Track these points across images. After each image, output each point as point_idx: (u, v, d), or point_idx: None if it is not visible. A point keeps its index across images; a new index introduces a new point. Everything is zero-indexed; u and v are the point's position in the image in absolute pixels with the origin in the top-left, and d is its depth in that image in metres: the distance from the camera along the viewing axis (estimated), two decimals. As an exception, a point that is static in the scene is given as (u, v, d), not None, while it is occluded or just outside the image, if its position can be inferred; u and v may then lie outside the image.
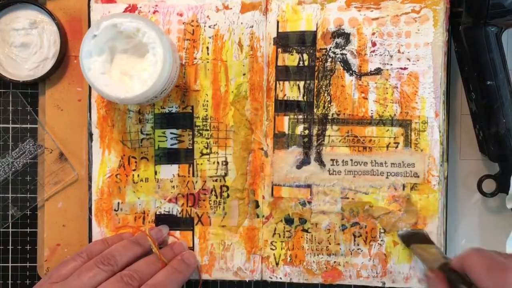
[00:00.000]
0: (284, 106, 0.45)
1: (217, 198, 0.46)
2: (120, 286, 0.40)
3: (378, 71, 0.45)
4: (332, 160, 0.45)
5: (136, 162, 0.47)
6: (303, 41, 0.45)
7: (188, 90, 0.46)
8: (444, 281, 0.36)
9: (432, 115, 0.44)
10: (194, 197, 0.47)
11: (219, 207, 0.46)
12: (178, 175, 0.46)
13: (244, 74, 0.46)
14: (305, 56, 0.45)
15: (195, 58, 0.46)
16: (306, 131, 0.45)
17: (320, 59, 0.45)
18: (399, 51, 0.44)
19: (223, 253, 0.46)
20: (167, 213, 0.47)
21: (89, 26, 0.46)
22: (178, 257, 0.45)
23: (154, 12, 0.46)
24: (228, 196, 0.46)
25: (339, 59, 0.45)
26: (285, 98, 0.45)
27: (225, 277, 0.47)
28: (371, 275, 0.45)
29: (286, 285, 0.48)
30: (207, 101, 0.46)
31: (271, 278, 0.46)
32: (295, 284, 0.46)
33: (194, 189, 0.46)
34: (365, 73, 0.45)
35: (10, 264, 0.49)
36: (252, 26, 0.46)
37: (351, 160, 0.45)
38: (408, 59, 0.44)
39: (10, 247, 0.49)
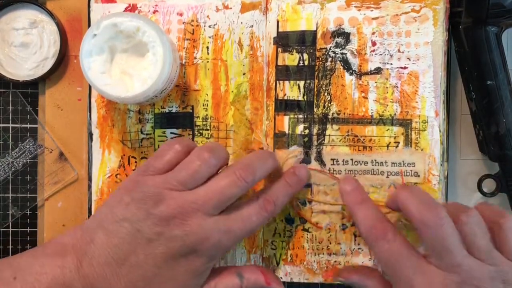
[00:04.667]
0: (284, 106, 0.45)
1: (217, 197, 0.46)
2: (263, 216, 0.39)
3: (378, 71, 0.45)
4: (333, 159, 0.45)
5: (136, 162, 0.47)
6: (303, 40, 0.45)
7: (188, 90, 0.46)
8: None
9: (432, 115, 0.44)
10: (194, 197, 0.46)
11: (219, 207, 0.46)
12: (178, 175, 0.46)
13: (244, 74, 0.46)
14: (305, 56, 0.45)
15: (195, 58, 0.46)
16: (307, 131, 0.45)
17: (320, 58, 0.45)
18: (399, 51, 0.44)
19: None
20: (167, 213, 0.47)
21: (89, 26, 0.46)
22: (290, 169, 0.43)
23: (154, 12, 0.46)
24: (228, 195, 0.46)
25: (339, 59, 0.45)
26: (285, 97, 0.45)
27: (225, 277, 0.46)
28: (371, 274, 0.45)
29: (286, 284, 0.48)
30: (207, 100, 0.46)
31: (271, 278, 0.46)
32: (296, 283, 0.46)
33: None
34: (365, 73, 0.45)
35: (9, 264, 0.49)
36: (252, 26, 0.46)
37: (352, 159, 0.45)
38: (408, 58, 0.44)
39: (10, 247, 0.49)
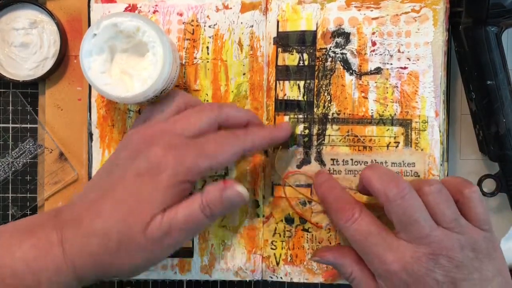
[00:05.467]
0: (284, 106, 0.45)
1: (217, 198, 0.46)
2: (237, 145, 0.38)
3: (378, 71, 0.45)
4: (333, 159, 0.45)
5: (136, 162, 0.47)
6: (303, 40, 0.45)
7: (188, 90, 0.46)
8: None
9: (432, 115, 0.44)
10: (194, 197, 0.46)
11: (219, 207, 0.46)
12: (178, 175, 0.46)
13: (244, 74, 0.46)
14: (305, 56, 0.45)
15: (195, 58, 0.46)
16: (306, 131, 0.45)
17: (320, 58, 0.45)
18: (399, 51, 0.44)
19: (223, 253, 0.46)
20: (167, 213, 0.47)
21: (89, 25, 0.46)
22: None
23: (154, 12, 0.46)
24: (228, 196, 0.46)
25: (339, 59, 0.45)
26: (285, 97, 0.45)
27: (226, 277, 0.46)
28: (371, 274, 0.45)
29: (286, 284, 0.48)
30: (207, 100, 0.46)
31: (271, 278, 0.46)
32: (295, 284, 0.46)
33: (194, 189, 0.46)
34: (365, 73, 0.45)
35: (9, 264, 0.49)
36: (252, 26, 0.46)
37: (352, 159, 0.45)
38: (408, 58, 0.44)
39: (9, 247, 0.49)
